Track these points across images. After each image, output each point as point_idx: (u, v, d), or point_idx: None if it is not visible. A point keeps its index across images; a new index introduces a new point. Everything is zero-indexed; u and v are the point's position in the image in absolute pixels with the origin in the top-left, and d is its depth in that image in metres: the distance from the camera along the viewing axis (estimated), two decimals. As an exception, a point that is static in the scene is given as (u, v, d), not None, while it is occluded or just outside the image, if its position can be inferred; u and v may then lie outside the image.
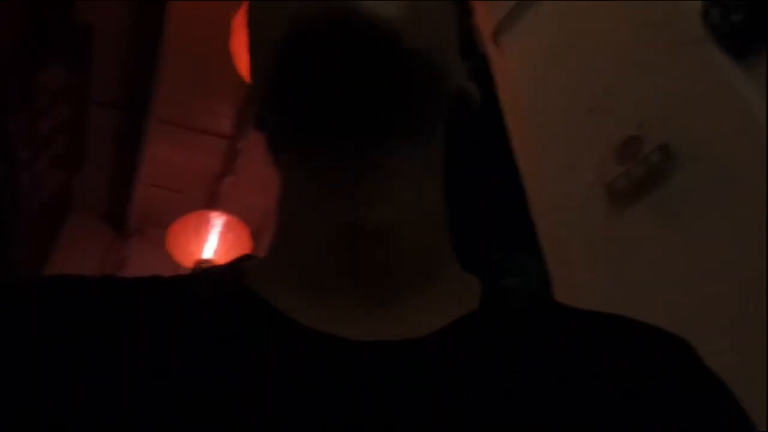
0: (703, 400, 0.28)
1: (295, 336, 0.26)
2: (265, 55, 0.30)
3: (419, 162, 0.31)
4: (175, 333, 0.26)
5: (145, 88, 2.15)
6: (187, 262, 2.34)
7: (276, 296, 0.28)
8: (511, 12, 1.21)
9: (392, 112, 0.30)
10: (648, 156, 0.86)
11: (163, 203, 2.73)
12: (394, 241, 0.29)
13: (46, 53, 1.83)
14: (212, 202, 2.59)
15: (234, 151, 2.49)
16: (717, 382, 0.30)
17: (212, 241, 2.38)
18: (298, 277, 0.30)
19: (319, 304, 0.28)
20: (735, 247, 0.73)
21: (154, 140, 2.42)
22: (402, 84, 0.29)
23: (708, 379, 0.30)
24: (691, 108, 0.84)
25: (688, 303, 0.76)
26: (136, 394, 0.23)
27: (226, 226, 2.41)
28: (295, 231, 0.31)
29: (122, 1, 1.88)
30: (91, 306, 0.27)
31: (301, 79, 0.29)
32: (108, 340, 0.25)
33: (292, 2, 0.27)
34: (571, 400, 0.25)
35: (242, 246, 2.28)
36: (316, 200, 0.30)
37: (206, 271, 0.33)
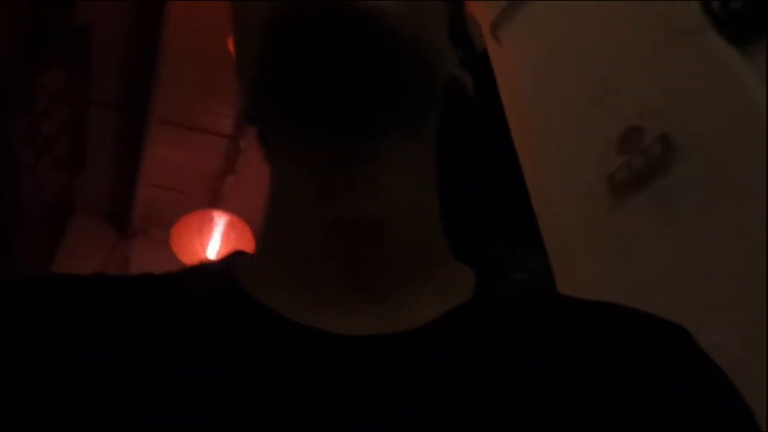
0: (702, 389, 0.28)
1: (284, 332, 0.26)
2: (249, 48, 0.29)
3: (411, 153, 0.31)
4: (165, 331, 0.26)
5: (145, 88, 2.16)
6: (191, 261, 2.35)
7: (266, 293, 0.28)
8: (510, 6, 1.21)
9: (381, 102, 0.29)
10: (649, 147, 0.85)
11: (165, 203, 2.74)
12: (386, 234, 0.29)
13: (46, 54, 1.83)
14: (214, 202, 2.59)
15: (235, 150, 2.49)
16: (716, 371, 0.29)
17: (215, 240, 2.39)
18: (288, 273, 0.29)
19: (310, 299, 0.28)
20: (737, 238, 0.72)
21: (156, 140, 2.43)
22: (390, 73, 0.28)
23: (707, 368, 0.29)
24: (692, 98, 0.83)
25: (689, 295, 0.75)
26: (125, 392, 0.23)
27: (229, 225, 2.41)
28: (285, 226, 0.31)
29: (122, 1, 1.88)
30: (82, 305, 0.27)
31: (286, 72, 0.28)
32: (99, 339, 0.25)
33: None
34: (565, 390, 0.25)
35: (245, 245, 2.29)
36: (306, 194, 0.30)
37: (197, 269, 0.32)
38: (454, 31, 0.35)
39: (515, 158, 1.13)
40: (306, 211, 0.30)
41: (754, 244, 0.69)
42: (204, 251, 2.37)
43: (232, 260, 0.32)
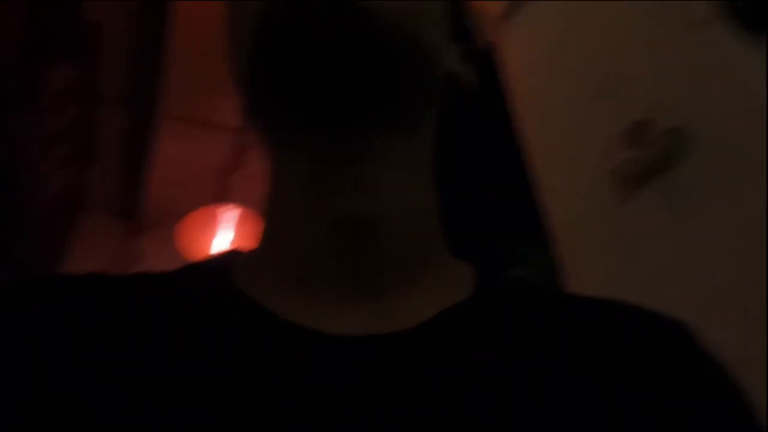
0: (703, 385, 0.27)
1: (280, 334, 0.26)
2: (242, 46, 0.29)
3: (409, 152, 0.31)
4: (162, 332, 0.26)
5: (153, 84, 2.16)
6: (199, 256, 2.36)
7: (263, 292, 0.28)
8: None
9: (378, 101, 0.29)
10: (656, 140, 0.84)
11: (173, 199, 2.75)
12: (384, 233, 0.29)
13: (54, 52, 1.84)
14: (222, 197, 2.60)
15: (243, 145, 2.50)
16: (718, 367, 0.29)
17: (223, 235, 2.40)
18: (286, 272, 0.29)
19: (308, 299, 0.28)
20: (746, 234, 0.71)
21: (163, 136, 2.44)
22: (388, 72, 0.28)
23: (709, 364, 0.29)
24: (701, 90, 0.82)
25: (695, 292, 0.74)
26: (123, 393, 0.23)
27: (236, 220, 2.42)
28: (282, 225, 0.31)
29: (127, -3, 1.89)
30: (81, 305, 0.27)
31: (281, 70, 0.28)
32: (97, 339, 0.25)
33: None
34: (563, 388, 0.25)
35: (252, 240, 2.30)
36: (303, 193, 0.29)
37: (195, 267, 0.32)
38: (453, 26, 0.34)
39: (518, 153, 1.12)
40: (303, 211, 0.29)
41: (762, 241, 0.68)
42: (212, 246, 2.38)
43: (229, 258, 0.32)
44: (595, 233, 0.93)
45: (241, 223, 2.40)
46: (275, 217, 0.31)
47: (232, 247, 0.34)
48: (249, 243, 0.35)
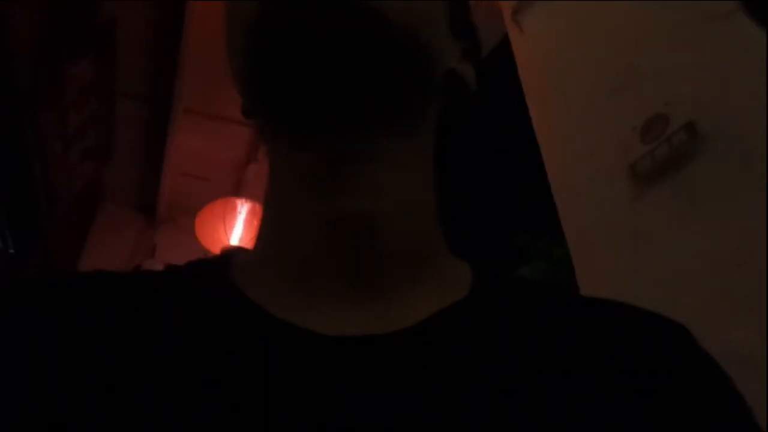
0: (701, 387, 0.27)
1: (274, 333, 0.26)
2: (238, 43, 0.29)
3: (408, 150, 0.30)
4: (160, 332, 0.26)
5: (169, 79, 2.18)
6: (215, 248, 2.38)
7: (260, 291, 0.28)
8: (532, -10, 1.18)
9: (377, 100, 0.28)
10: (673, 135, 0.84)
11: (190, 191, 2.78)
12: (383, 233, 0.29)
13: (73, 48, 1.87)
14: (238, 189, 2.62)
15: (258, 138, 2.50)
16: (716, 369, 0.29)
17: (239, 227, 2.42)
18: (285, 272, 0.29)
19: (305, 298, 0.28)
20: (763, 230, 0.70)
21: (181, 130, 2.46)
22: (386, 70, 0.28)
23: (707, 366, 0.29)
24: (720, 84, 0.81)
25: (713, 288, 0.74)
26: (119, 391, 0.23)
27: (252, 212, 2.44)
28: (281, 224, 0.31)
29: (144, -8, 1.90)
30: (80, 305, 0.27)
31: (278, 69, 0.28)
32: (96, 339, 0.25)
33: None
34: (558, 388, 0.25)
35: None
36: (302, 192, 0.29)
37: (196, 265, 0.32)
38: (455, 23, 0.34)
39: (538, 148, 1.12)
40: (302, 210, 0.29)
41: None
42: (228, 238, 2.40)
43: (230, 257, 0.32)
44: (610, 229, 0.93)
45: (257, 215, 2.41)
46: (275, 216, 0.31)
47: (241, 243, 0.34)
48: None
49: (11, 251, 2.28)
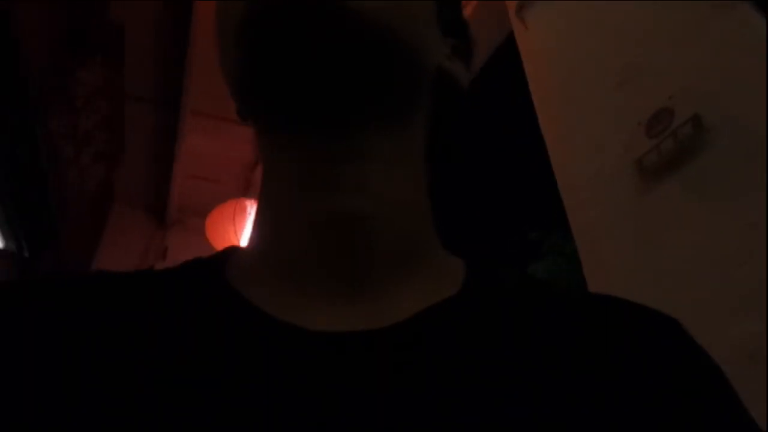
0: (693, 380, 0.27)
1: (264, 329, 0.26)
2: (227, 46, 0.29)
3: (397, 149, 0.31)
4: (155, 330, 0.26)
5: (177, 81, 2.20)
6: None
7: (255, 290, 0.28)
8: (536, -14, 1.18)
9: (363, 99, 0.29)
10: (679, 129, 0.83)
11: (200, 193, 2.80)
12: (371, 231, 0.29)
13: (83, 53, 1.89)
14: (247, 190, 2.64)
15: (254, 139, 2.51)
16: (708, 362, 0.29)
17: (249, 228, 2.43)
18: (276, 270, 0.30)
19: (295, 296, 0.28)
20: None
21: (189, 132, 2.48)
22: (369, 69, 0.28)
23: (699, 359, 0.29)
24: (725, 76, 0.80)
25: (719, 283, 0.73)
26: (114, 391, 0.23)
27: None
28: (273, 223, 0.31)
29: (152, -3, 1.92)
30: (77, 306, 0.27)
31: (264, 71, 0.28)
32: (92, 339, 0.26)
33: None
34: (548, 383, 0.25)
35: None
36: (292, 191, 0.30)
37: (193, 264, 0.32)
38: (443, 21, 0.34)
39: (537, 144, 1.11)
40: (292, 209, 0.30)
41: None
42: (238, 239, 2.42)
43: (225, 256, 0.32)
44: (617, 224, 0.92)
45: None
46: (266, 215, 0.32)
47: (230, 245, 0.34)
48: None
49: (25, 254, 2.31)
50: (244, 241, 2.42)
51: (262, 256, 0.31)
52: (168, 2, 1.94)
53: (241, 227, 2.45)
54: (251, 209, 2.46)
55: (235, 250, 0.33)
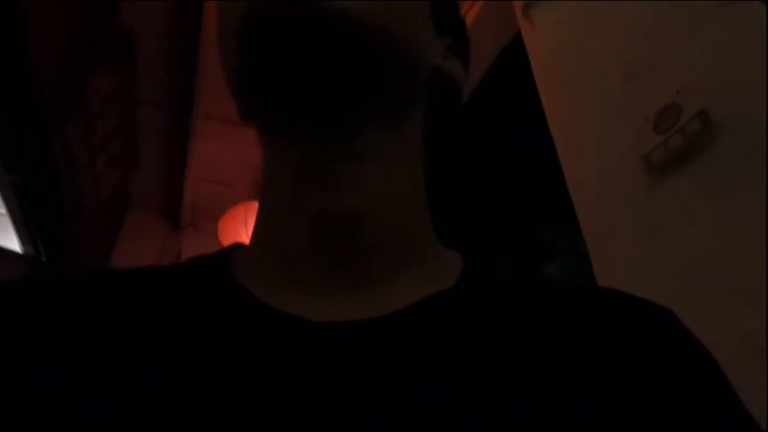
0: (688, 371, 0.27)
1: (264, 319, 0.27)
2: (227, 48, 0.30)
3: (392, 147, 0.31)
4: (159, 324, 0.27)
5: (189, 86, 2.23)
6: (238, 251, 2.42)
7: (254, 282, 0.29)
8: (541, -16, 1.18)
9: (355, 98, 0.29)
10: (686, 125, 0.83)
11: (213, 196, 2.83)
12: (366, 227, 0.30)
13: (96, 60, 1.93)
14: (259, 193, 2.65)
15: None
16: (702, 353, 0.29)
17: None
18: (276, 265, 0.31)
19: (294, 289, 0.29)
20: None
21: (201, 136, 2.51)
22: (361, 70, 0.29)
23: (693, 350, 0.29)
24: (732, 71, 0.79)
25: (727, 278, 0.73)
26: (115, 385, 0.24)
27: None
28: (272, 219, 0.32)
29: (161, 2, 1.95)
30: (80, 304, 0.28)
31: (259, 73, 0.29)
32: (95, 335, 0.26)
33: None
34: (540, 374, 0.25)
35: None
36: (289, 189, 0.31)
37: (198, 260, 0.33)
38: (438, 20, 0.34)
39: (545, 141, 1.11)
40: (289, 206, 0.31)
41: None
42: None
43: (229, 252, 0.34)
44: (625, 221, 0.92)
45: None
46: (267, 214, 0.33)
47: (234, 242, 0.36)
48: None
49: (43, 258, 2.36)
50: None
51: (264, 253, 0.32)
52: (178, 8, 1.96)
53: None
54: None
55: (239, 246, 0.35)
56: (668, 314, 0.30)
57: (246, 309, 0.28)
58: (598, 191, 0.97)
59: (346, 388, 0.24)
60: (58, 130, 1.83)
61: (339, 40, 0.28)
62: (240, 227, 2.46)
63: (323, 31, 0.27)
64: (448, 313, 0.28)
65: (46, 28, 1.59)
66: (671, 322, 0.30)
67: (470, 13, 1.57)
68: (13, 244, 2.30)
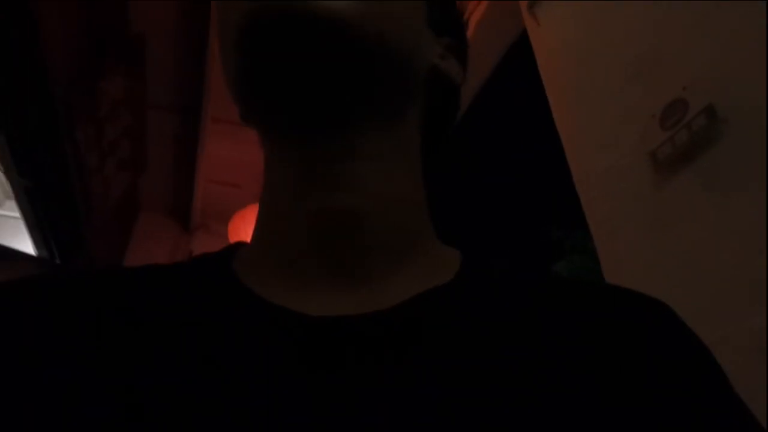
0: (685, 364, 0.27)
1: (264, 313, 0.28)
2: (227, 48, 0.31)
3: (390, 146, 0.32)
4: (161, 321, 0.28)
5: (197, 89, 2.25)
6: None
7: (255, 279, 0.30)
8: (546, -19, 1.17)
9: (351, 99, 0.30)
10: (693, 120, 0.82)
11: (222, 198, 2.85)
12: (363, 225, 0.30)
13: (105, 64, 1.95)
14: (268, 195, 2.67)
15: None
16: (699, 346, 0.29)
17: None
18: (277, 263, 0.31)
19: (293, 285, 0.30)
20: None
21: (210, 138, 2.53)
22: (356, 71, 0.29)
23: (690, 343, 0.29)
24: (738, 66, 0.79)
25: (735, 275, 0.72)
26: (116, 381, 0.24)
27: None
28: (272, 218, 0.33)
29: (170, 3, 1.97)
30: (81, 301, 0.29)
31: (257, 76, 0.29)
32: (97, 334, 0.27)
33: (245, 1, 0.28)
34: (536, 366, 0.25)
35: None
36: (288, 189, 0.31)
37: (199, 258, 0.34)
38: (434, 20, 0.34)
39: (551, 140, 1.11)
40: (288, 205, 0.31)
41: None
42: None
43: (232, 250, 0.34)
44: (633, 217, 0.91)
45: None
46: (268, 213, 0.33)
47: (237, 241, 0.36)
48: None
49: (57, 261, 2.39)
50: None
51: (264, 252, 0.33)
52: (187, 13, 1.98)
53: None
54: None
55: (241, 245, 0.35)
56: (663, 307, 0.30)
57: (247, 306, 0.29)
58: (605, 188, 0.97)
59: (346, 382, 0.25)
60: (69, 135, 1.85)
61: (335, 41, 0.28)
62: (250, 228, 2.47)
63: (320, 33, 0.28)
64: (446, 306, 0.29)
65: (56, 33, 1.62)
66: (667, 315, 0.30)
67: (476, 12, 1.57)
68: (28, 246, 2.34)
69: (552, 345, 0.27)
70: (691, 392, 0.26)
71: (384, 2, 0.29)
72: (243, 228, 2.50)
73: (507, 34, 1.56)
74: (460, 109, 0.38)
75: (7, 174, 1.80)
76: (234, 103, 0.34)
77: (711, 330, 0.63)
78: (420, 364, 0.26)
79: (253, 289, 0.30)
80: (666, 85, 0.88)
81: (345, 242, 0.30)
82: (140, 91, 2.15)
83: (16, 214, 2.19)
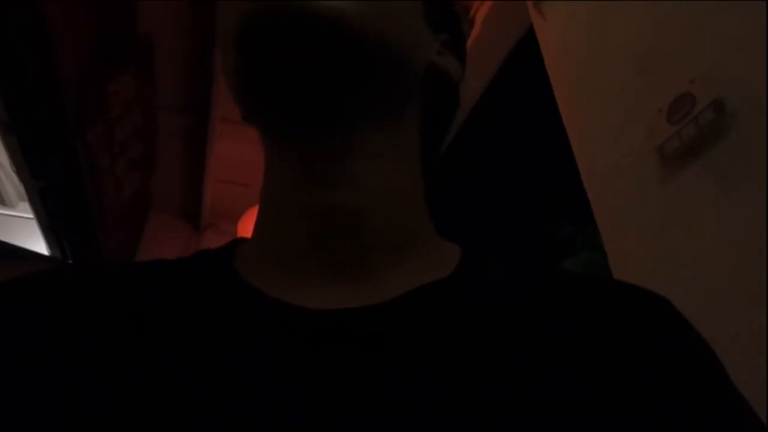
0: (684, 359, 0.28)
1: (264, 307, 0.29)
2: (227, 48, 0.31)
3: (388, 143, 0.32)
4: (162, 315, 0.28)
5: (206, 90, 2.26)
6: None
7: (255, 274, 0.31)
8: (552, -24, 1.17)
9: (350, 98, 0.30)
10: (700, 114, 0.81)
11: (232, 197, 2.87)
12: (361, 222, 0.31)
13: (115, 66, 1.97)
14: (277, 194, 2.68)
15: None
16: (698, 341, 0.29)
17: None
18: (277, 260, 0.32)
19: (293, 281, 0.30)
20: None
21: (219, 138, 2.54)
22: (355, 70, 0.29)
23: (689, 337, 0.29)
24: (745, 59, 0.78)
25: (746, 271, 0.72)
26: (117, 377, 0.25)
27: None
28: (272, 215, 0.33)
29: (179, 2, 1.98)
30: (82, 297, 0.29)
31: (257, 76, 0.30)
32: (97, 326, 0.27)
33: (244, 1, 0.28)
34: (533, 362, 0.26)
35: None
36: (287, 186, 0.32)
37: (201, 254, 0.35)
38: (432, 17, 0.34)
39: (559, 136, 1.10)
40: (287, 202, 0.32)
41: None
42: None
43: (233, 246, 0.35)
44: (640, 213, 0.91)
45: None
46: (268, 210, 0.34)
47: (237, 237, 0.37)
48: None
49: (70, 261, 2.42)
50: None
51: (265, 248, 0.33)
52: (195, 14, 2.00)
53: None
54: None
55: (242, 241, 0.36)
56: (663, 302, 0.30)
57: (248, 300, 0.30)
58: (612, 183, 0.96)
59: (346, 374, 0.25)
60: (80, 136, 1.88)
61: (335, 41, 0.28)
62: (259, 227, 2.49)
63: (319, 33, 0.28)
64: (445, 299, 0.29)
65: (65, 35, 1.64)
66: (668, 311, 0.30)
67: (482, 9, 1.57)
68: (41, 247, 2.37)
69: (551, 339, 0.27)
70: (692, 388, 0.27)
71: (383, 2, 0.30)
72: (252, 227, 2.52)
73: (513, 31, 1.56)
74: (460, 107, 0.39)
75: (20, 175, 1.82)
76: (235, 103, 0.35)
77: (718, 326, 0.63)
78: (419, 356, 0.26)
79: (254, 284, 0.30)
80: (673, 79, 0.87)
81: (345, 241, 0.31)
82: (149, 91, 2.17)
83: (30, 215, 2.22)
